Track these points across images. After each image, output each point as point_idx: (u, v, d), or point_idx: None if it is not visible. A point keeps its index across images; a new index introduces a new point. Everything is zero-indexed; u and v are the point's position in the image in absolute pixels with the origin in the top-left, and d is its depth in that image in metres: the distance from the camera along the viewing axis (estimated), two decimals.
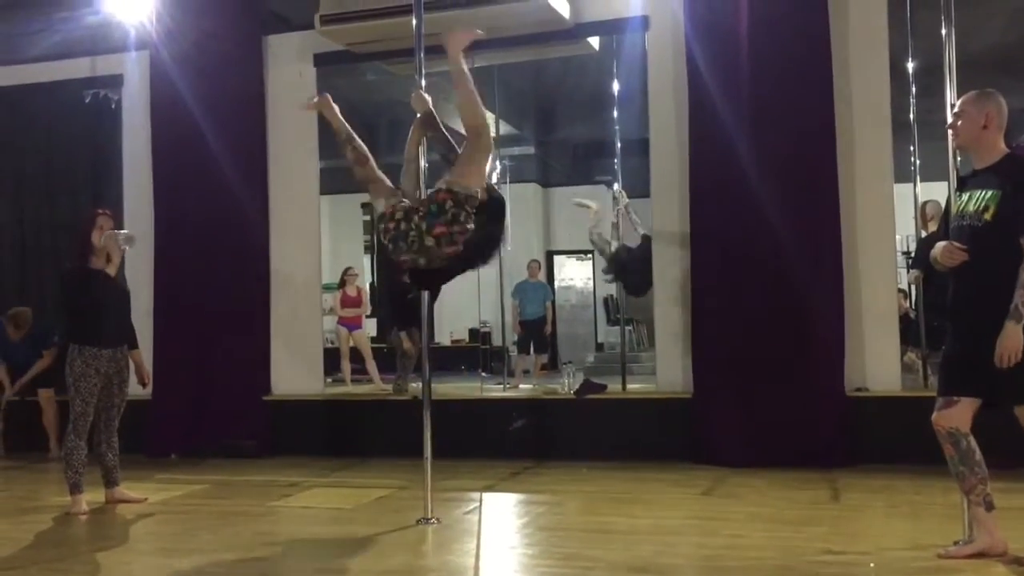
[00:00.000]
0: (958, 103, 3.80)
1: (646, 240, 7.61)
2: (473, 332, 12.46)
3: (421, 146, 4.83)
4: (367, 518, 5.09)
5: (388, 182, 4.53)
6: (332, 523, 5.09)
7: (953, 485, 3.79)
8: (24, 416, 7.78)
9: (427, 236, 4.18)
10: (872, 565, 3.78)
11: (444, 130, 4.77)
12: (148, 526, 5.14)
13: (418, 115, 4.72)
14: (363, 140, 4.66)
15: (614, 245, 8.11)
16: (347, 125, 4.61)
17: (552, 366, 11.12)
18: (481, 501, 5.45)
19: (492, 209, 4.38)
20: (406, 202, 4.40)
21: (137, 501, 5.66)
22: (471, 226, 4.24)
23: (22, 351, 7.88)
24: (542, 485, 6.03)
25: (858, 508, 5.06)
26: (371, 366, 9.80)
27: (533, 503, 5.49)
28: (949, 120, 3.86)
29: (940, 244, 3.75)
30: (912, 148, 7.19)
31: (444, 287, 6.99)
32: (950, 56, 4.09)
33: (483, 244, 4.35)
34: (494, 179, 10.84)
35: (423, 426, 4.93)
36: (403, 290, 8.75)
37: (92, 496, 5.54)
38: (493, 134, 10.92)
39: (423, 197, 4.51)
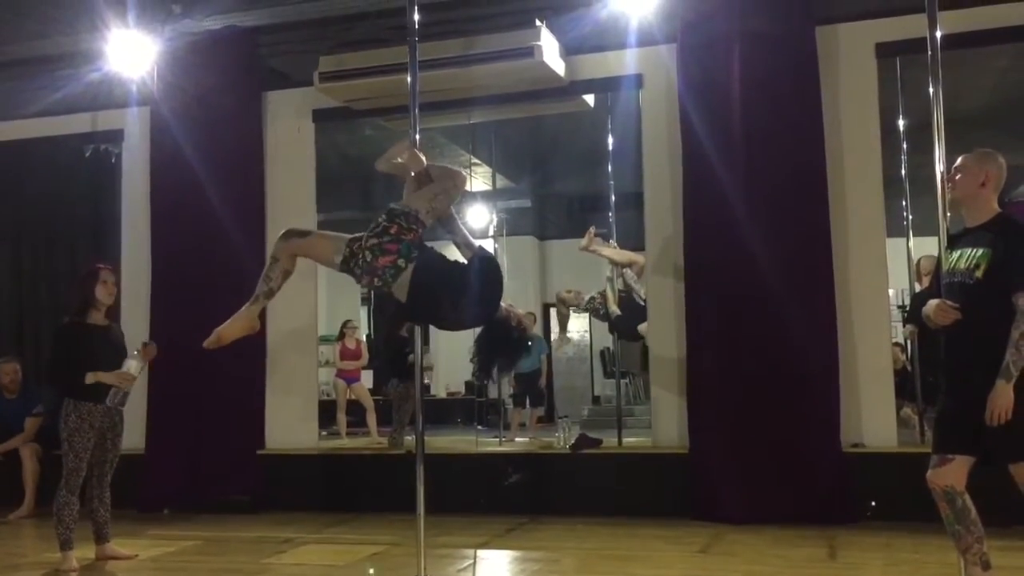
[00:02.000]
0: (960, 159, 3.85)
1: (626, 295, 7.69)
2: (469, 384, 12.42)
3: None
4: None
5: (332, 237, 4.31)
6: None
7: (950, 543, 3.76)
8: (1, 471, 7.70)
9: (365, 251, 4.14)
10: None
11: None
12: None
13: (412, 173, 4.72)
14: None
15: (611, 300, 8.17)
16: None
17: (548, 419, 11.07)
18: (475, 558, 5.40)
19: (486, 268, 4.37)
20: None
21: (128, 558, 5.60)
22: (407, 238, 4.21)
23: (14, 407, 7.84)
24: (537, 542, 5.98)
25: (856, 566, 5.02)
26: (371, 419, 9.75)
27: (528, 560, 5.44)
28: (941, 174, 3.91)
29: (932, 302, 3.77)
30: (905, 203, 7.26)
31: (439, 340, 6.95)
32: (939, 115, 4.16)
33: (481, 298, 4.32)
34: (490, 231, 11.01)
35: (416, 481, 4.90)
36: (400, 343, 8.79)
37: (82, 552, 5.47)
38: (489, 187, 11.07)
39: None
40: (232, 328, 4.11)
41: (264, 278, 4.19)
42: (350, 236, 4.25)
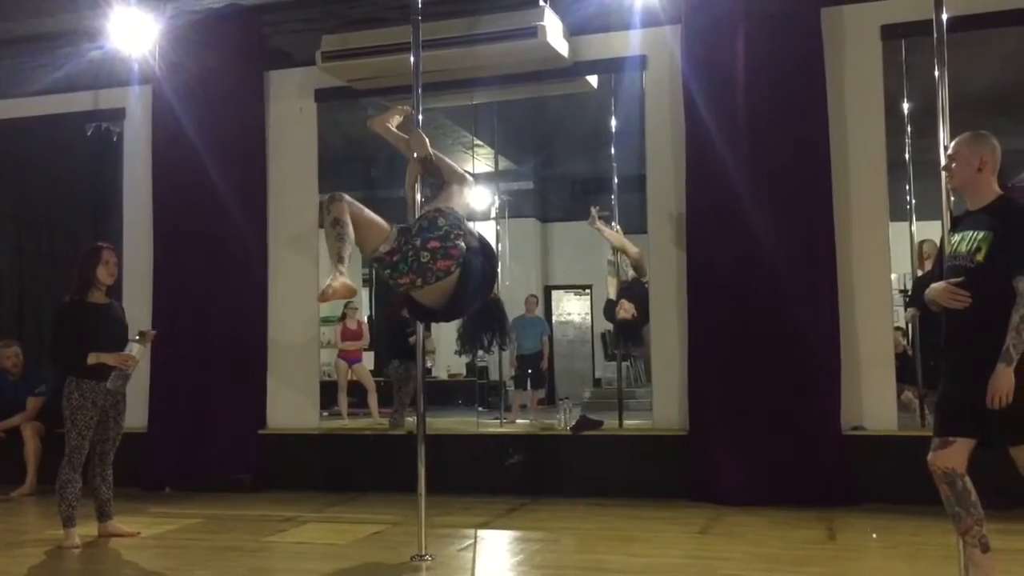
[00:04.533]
0: (952, 145, 3.83)
1: (636, 283, 7.67)
2: (470, 366, 12.44)
3: (417, 183, 4.84)
4: (361, 554, 5.06)
5: (380, 222, 4.33)
6: (326, 559, 5.06)
7: (950, 526, 3.77)
8: (4, 449, 7.70)
9: (422, 251, 4.15)
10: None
11: (441, 172, 4.75)
12: (141, 560, 5.11)
13: (415, 155, 4.72)
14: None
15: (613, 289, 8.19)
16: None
17: (549, 401, 11.10)
18: (476, 538, 5.42)
19: (486, 251, 4.43)
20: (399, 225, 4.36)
21: (130, 535, 5.63)
22: (462, 244, 4.24)
23: (17, 388, 7.86)
24: (538, 522, 6.00)
25: (855, 548, 5.04)
26: (372, 399, 9.76)
27: (528, 540, 5.46)
28: (943, 163, 3.89)
29: (936, 285, 3.76)
30: (908, 187, 7.25)
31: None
32: (943, 98, 4.14)
33: (481, 284, 4.36)
34: (492, 213, 10.99)
35: (418, 461, 4.92)
36: (402, 323, 8.79)
37: (85, 530, 5.50)
38: (491, 168, 11.06)
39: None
40: (334, 292, 4.01)
41: (340, 239, 4.08)
42: (398, 227, 4.24)
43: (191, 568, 4.81)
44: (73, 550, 5.29)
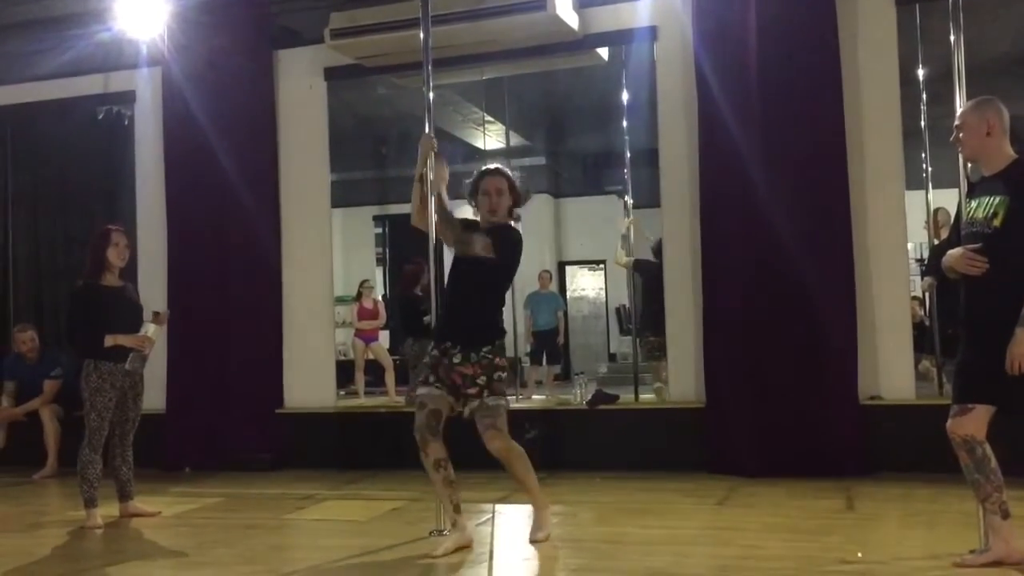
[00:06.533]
0: (958, 116, 3.79)
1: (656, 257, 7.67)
2: None
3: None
4: (381, 530, 5.10)
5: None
6: (346, 535, 5.09)
7: (969, 493, 3.76)
8: (25, 432, 7.81)
9: (500, 371, 4.51)
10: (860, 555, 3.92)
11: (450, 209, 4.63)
12: (162, 539, 5.15)
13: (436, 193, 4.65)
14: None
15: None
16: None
17: (565, 376, 11.12)
18: (494, 512, 5.44)
19: None
20: None
21: (151, 515, 5.68)
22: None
23: (34, 371, 7.93)
24: (555, 496, 5.97)
25: (873, 517, 5.03)
26: (389, 378, 9.79)
27: None
28: (952, 135, 3.86)
29: (954, 251, 3.73)
30: (924, 155, 7.17)
31: None
32: (959, 63, 4.09)
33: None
34: None
35: None
36: (415, 303, 8.81)
37: (106, 510, 5.56)
38: (503, 144, 11.02)
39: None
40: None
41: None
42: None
43: (212, 546, 4.86)
44: (95, 530, 5.34)
